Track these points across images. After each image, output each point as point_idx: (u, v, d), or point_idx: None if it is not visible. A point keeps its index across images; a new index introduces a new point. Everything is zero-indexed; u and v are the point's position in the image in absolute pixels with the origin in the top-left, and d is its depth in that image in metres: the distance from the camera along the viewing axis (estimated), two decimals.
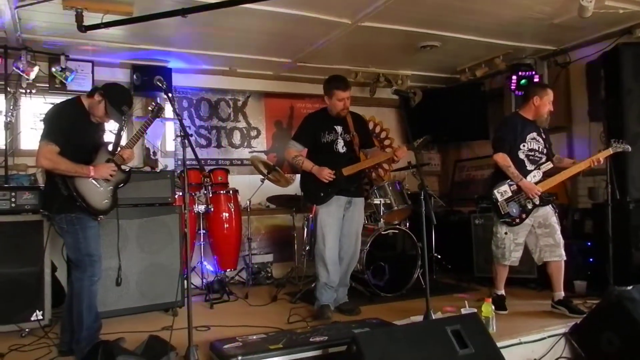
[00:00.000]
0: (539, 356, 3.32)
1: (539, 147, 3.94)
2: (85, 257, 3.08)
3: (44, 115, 3.18)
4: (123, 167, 3.30)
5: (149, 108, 3.44)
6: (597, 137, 5.14)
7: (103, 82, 3.66)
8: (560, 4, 4.27)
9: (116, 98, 3.13)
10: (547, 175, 3.89)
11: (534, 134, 3.95)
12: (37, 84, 5.03)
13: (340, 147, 4.01)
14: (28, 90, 4.99)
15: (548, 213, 3.90)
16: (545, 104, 3.92)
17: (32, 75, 4.85)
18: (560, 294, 3.89)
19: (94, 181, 3.11)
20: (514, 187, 3.87)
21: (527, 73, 5.57)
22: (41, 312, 3.68)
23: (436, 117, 6.41)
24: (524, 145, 3.91)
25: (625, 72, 4.42)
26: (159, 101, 5.68)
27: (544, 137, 3.99)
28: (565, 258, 3.88)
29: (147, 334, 3.19)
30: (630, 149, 3.95)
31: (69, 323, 3.19)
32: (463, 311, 3.43)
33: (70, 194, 3.00)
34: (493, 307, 3.42)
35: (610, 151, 3.90)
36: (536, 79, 5.53)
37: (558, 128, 5.60)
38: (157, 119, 3.51)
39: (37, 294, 3.68)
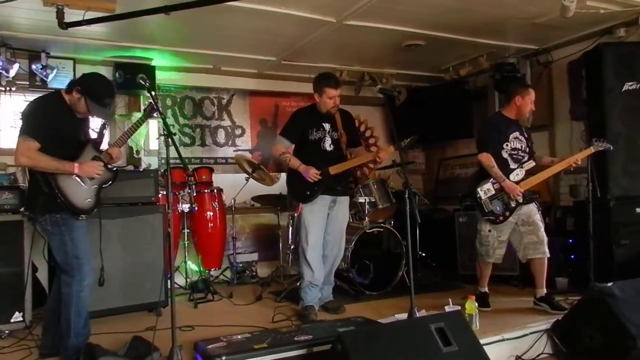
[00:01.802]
0: (522, 352, 3.36)
1: (521, 146, 3.99)
2: (73, 259, 2.97)
3: (22, 111, 3.03)
4: (110, 165, 3.22)
5: (143, 108, 3.38)
6: (579, 136, 5.21)
7: None
8: (543, 3, 4.31)
9: (95, 92, 2.99)
10: (529, 173, 3.94)
11: (517, 133, 3.99)
12: (17, 82, 4.93)
13: (328, 145, 3.99)
14: (8, 88, 4.90)
15: (531, 211, 3.94)
16: (527, 103, 3.96)
17: (12, 73, 4.76)
18: (543, 291, 3.94)
19: (77, 178, 2.99)
20: (497, 186, 3.91)
21: (511, 72, 5.61)
22: (21, 313, 3.61)
23: (421, 116, 6.44)
24: (507, 145, 3.95)
25: (606, 72, 4.47)
26: (141, 99, 5.63)
27: (526, 136, 4.04)
28: (548, 255, 3.92)
29: (131, 335, 3.17)
30: (612, 147, 4.01)
31: (52, 325, 3.12)
32: (447, 309, 3.45)
33: (51, 191, 2.89)
34: (476, 304, 3.45)
35: (591, 150, 3.95)
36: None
37: (540, 127, 5.65)
38: (149, 118, 3.46)
39: (18, 295, 3.61)
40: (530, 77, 5.73)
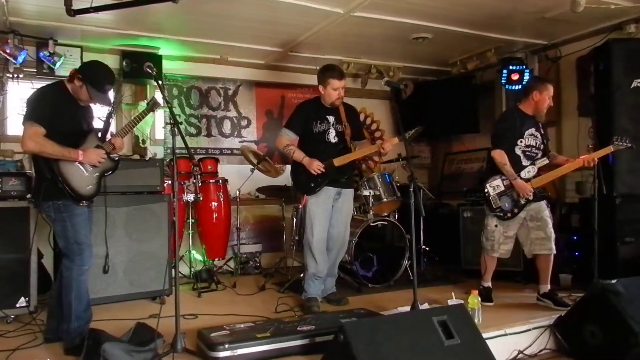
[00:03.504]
0: (524, 347, 3.35)
1: (536, 143, 3.94)
2: (74, 245, 3.01)
3: (27, 98, 3.06)
4: (112, 155, 3.24)
5: (146, 102, 3.37)
6: (586, 133, 5.18)
7: None
8: None
9: (96, 79, 3.01)
10: (541, 170, 3.89)
11: (532, 130, 3.94)
12: (25, 69, 4.95)
13: (332, 137, 3.99)
14: (15, 75, 4.92)
15: (541, 207, 3.91)
16: (544, 99, 3.90)
17: (20, 60, 4.77)
18: (546, 287, 3.93)
19: (80, 166, 3.03)
20: (507, 182, 3.88)
21: (518, 67, 5.59)
22: (27, 298, 3.65)
23: (427, 110, 6.42)
24: (521, 142, 3.90)
25: (615, 68, 4.44)
26: (148, 88, 5.64)
27: (542, 132, 3.98)
28: (554, 252, 3.91)
29: (135, 322, 3.18)
30: (634, 146, 3.91)
31: (56, 310, 3.15)
32: (450, 302, 3.45)
33: (53, 176, 2.93)
34: (479, 298, 3.45)
35: (611, 149, 3.88)
36: (526, 74, 5.55)
37: (547, 122, 5.61)
38: (151, 112, 3.46)
39: (23, 281, 3.65)
40: (538, 72, 5.70)
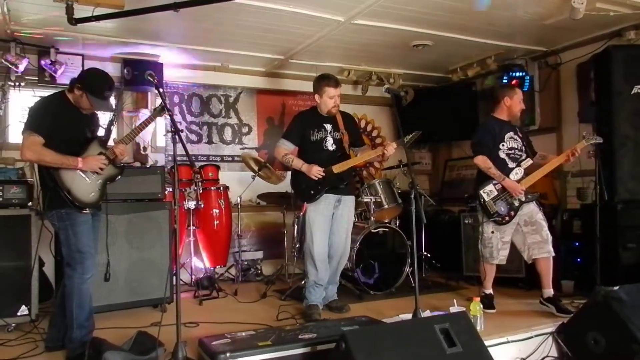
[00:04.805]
0: (527, 355, 3.35)
1: (517, 146, 4.03)
2: (76, 253, 3.01)
3: (28, 109, 3.08)
4: (116, 162, 3.22)
5: (153, 108, 3.36)
6: None
7: None
8: (552, 5, 4.30)
9: (95, 87, 3.02)
10: (527, 172, 3.96)
11: (511, 133, 4.04)
12: (26, 77, 4.98)
13: (330, 144, 4.00)
14: (17, 83, 4.94)
15: (533, 210, 3.95)
16: (516, 103, 4.04)
17: (21, 68, 4.79)
18: (550, 291, 3.92)
19: (81, 173, 3.03)
20: (499, 186, 3.93)
21: (519, 73, 5.60)
22: (28, 307, 3.64)
23: (428, 116, 6.41)
24: (503, 145, 4.00)
25: (615, 74, 4.45)
26: (149, 96, 5.65)
27: (520, 135, 4.09)
28: (553, 254, 3.91)
29: (136, 330, 3.18)
30: (601, 140, 4.02)
31: (58, 319, 3.15)
32: (452, 310, 3.44)
33: (55, 185, 2.94)
34: (481, 305, 3.45)
35: (584, 143, 3.96)
36: (527, 81, 5.56)
37: (548, 129, 5.66)
38: (158, 117, 3.46)
39: (24, 289, 3.64)
40: (538, 79, 5.71)
